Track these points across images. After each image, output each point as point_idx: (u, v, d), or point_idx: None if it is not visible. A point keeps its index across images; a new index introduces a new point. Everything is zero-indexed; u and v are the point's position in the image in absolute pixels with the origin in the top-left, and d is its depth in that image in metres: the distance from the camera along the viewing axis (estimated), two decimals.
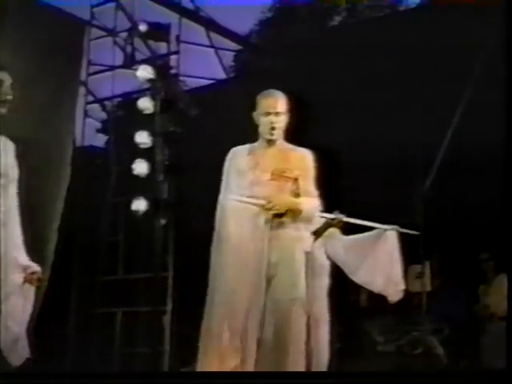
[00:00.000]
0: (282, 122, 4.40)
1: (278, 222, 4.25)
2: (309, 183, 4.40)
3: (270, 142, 4.43)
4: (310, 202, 4.35)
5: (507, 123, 4.40)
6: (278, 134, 4.41)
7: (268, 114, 4.37)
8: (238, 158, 4.45)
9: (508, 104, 4.43)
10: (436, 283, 7.29)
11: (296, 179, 4.37)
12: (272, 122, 4.37)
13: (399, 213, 5.02)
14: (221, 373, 3.82)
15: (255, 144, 4.48)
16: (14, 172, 4.01)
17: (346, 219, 4.40)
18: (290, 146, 4.48)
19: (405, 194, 6.56)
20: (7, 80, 3.94)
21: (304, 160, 4.44)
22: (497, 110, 4.56)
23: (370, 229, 4.53)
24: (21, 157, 4.13)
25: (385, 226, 4.50)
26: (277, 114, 4.37)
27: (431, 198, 6.55)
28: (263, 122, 4.40)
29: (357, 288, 7.05)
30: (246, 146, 4.49)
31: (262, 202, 4.20)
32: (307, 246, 4.28)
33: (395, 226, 4.53)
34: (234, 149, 4.51)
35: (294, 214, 4.25)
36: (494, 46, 5.82)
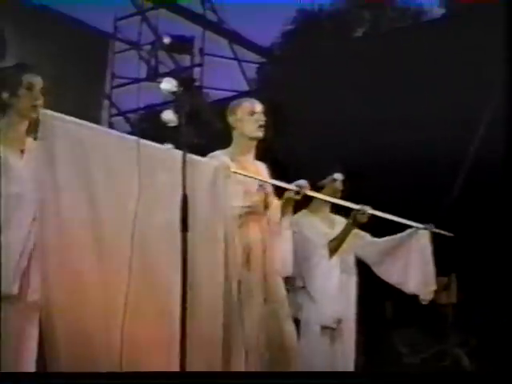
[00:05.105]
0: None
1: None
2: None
3: (249, 147, 4.29)
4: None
5: None
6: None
7: (253, 113, 4.22)
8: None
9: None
10: (462, 295, 7.23)
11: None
12: (260, 120, 4.20)
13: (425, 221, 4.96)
14: (221, 373, 3.76)
15: (230, 149, 4.27)
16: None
17: (371, 211, 4.36)
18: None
19: (431, 204, 6.52)
20: (38, 84, 3.66)
21: (263, 170, 4.32)
22: None
23: (400, 226, 4.47)
24: None
25: (418, 225, 4.45)
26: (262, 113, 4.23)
27: (458, 208, 6.51)
28: (250, 121, 4.20)
29: (382, 299, 7.05)
30: (224, 152, 4.30)
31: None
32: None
33: (428, 225, 4.47)
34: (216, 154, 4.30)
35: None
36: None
